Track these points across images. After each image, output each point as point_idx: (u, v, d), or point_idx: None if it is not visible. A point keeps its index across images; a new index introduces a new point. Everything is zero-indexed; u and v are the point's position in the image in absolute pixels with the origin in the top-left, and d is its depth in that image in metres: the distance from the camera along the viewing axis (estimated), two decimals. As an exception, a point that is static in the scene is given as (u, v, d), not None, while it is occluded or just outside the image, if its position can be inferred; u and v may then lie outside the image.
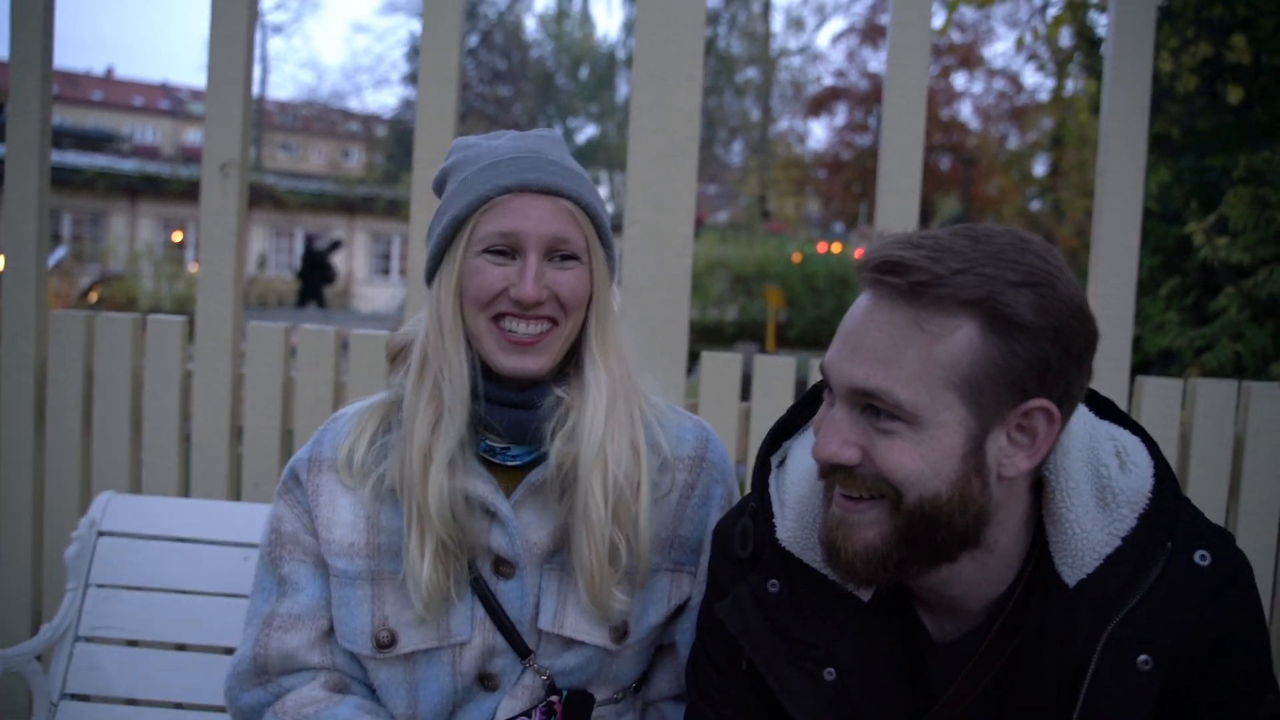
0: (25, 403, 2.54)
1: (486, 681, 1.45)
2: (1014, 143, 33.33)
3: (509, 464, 1.44)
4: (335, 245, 24.97)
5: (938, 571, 1.17)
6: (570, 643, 1.44)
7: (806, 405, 1.38)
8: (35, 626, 2.56)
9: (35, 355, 2.54)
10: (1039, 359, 1.08)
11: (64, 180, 22.60)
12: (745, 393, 2.47)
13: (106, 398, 2.53)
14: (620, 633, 1.45)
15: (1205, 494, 2.43)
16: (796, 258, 25.99)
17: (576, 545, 1.39)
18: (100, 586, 2.01)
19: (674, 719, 1.50)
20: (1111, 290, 2.43)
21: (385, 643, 1.42)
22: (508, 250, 1.38)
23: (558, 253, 1.39)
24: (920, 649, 1.26)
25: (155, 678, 1.99)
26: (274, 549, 1.49)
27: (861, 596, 1.24)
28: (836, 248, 28.93)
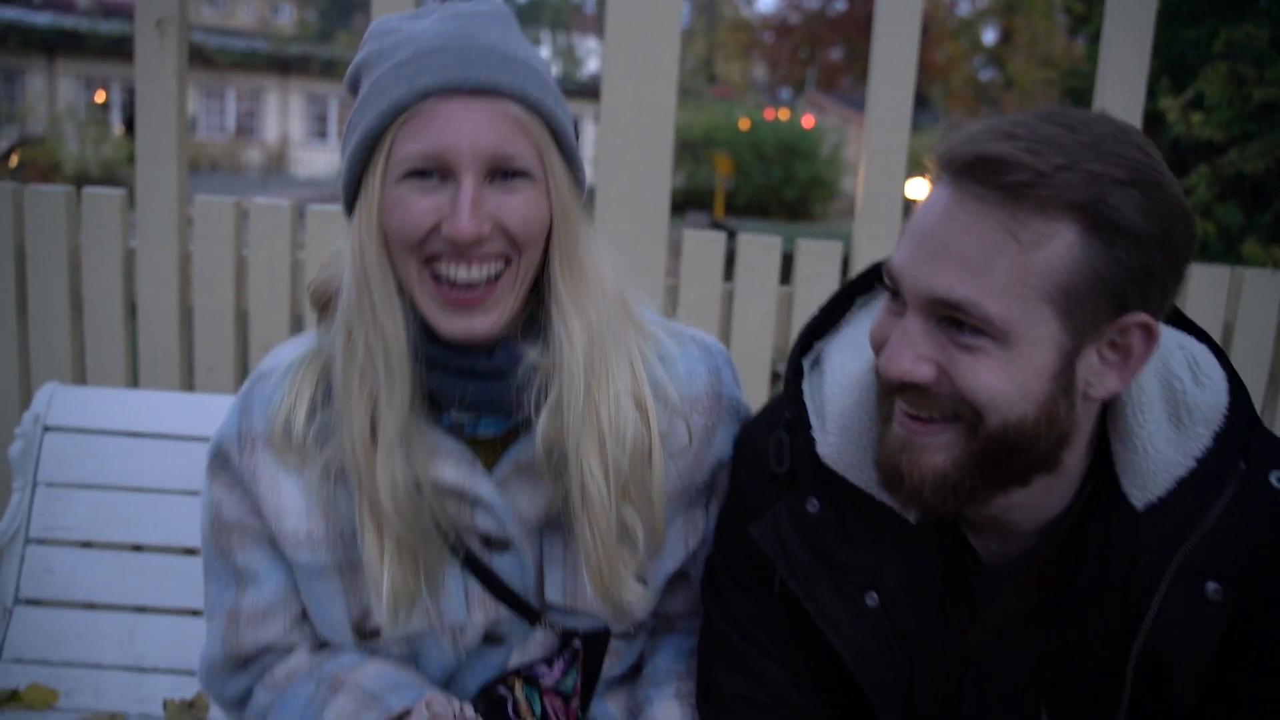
0: (-50, 285, 2.34)
1: (493, 640, 1.30)
2: (965, 9, 32.84)
3: (484, 436, 1.21)
4: None
5: (1006, 496, 1.08)
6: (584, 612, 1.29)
7: (840, 303, 1.25)
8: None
9: (-42, 232, 2.33)
10: (1144, 267, 0.96)
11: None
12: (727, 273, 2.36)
13: (41, 278, 2.34)
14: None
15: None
16: (744, 124, 25.58)
17: (580, 533, 1.18)
18: (49, 485, 1.87)
19: (686, 631, 1.40)
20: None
21: (370, 632, 1.25)
22: (435, 173, 1.09)
23: (501, 171, 1.10)
24: (968, 570, 1.17)
25: (113, 580, 1.88)
26: (219, 538, 1.28)
27: (909, 518, 1.14)
28: (784, 114, 28.56)
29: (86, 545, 1.90)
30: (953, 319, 0.98)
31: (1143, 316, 0.99)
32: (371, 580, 1.18)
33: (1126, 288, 0.97)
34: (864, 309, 1.25)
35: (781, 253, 2.37)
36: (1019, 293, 0.95)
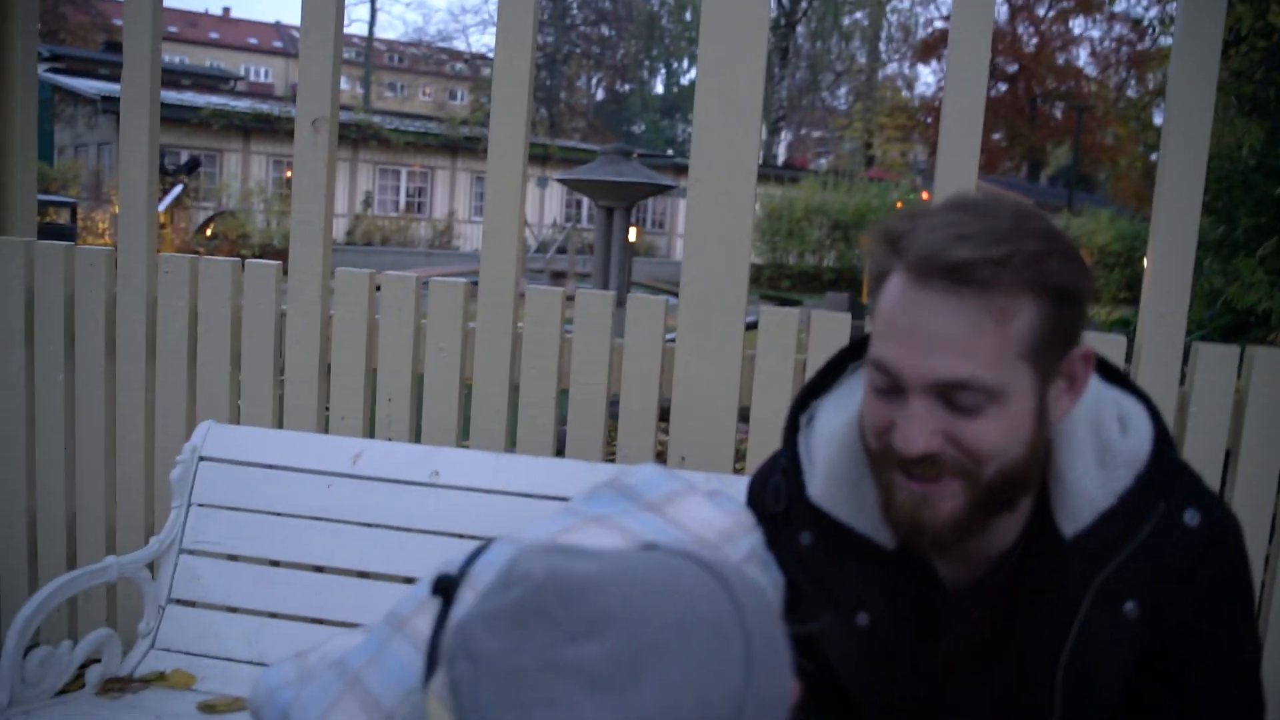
0: (138, 339, 2.79)
1: None
2: (1134, 90, 32.01)
3: None
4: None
5: (1000, 520, 1.27)
6: None
7: (834, 367, 1.47)
8: (148, 540, 2.83)
9: (147, 294, 2.78)
10: (1077, 313, 1.18)
11: (181, 119, 23.41)
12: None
13: (209, 335, 2.76)
14: None
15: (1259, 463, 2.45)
16: (899, 205, 25.60)
17: None
18: (201, 506, 2.24)
19: None
20: (1171, 260, 2.45)
21: None
22: None
23: None
24: (933, 595, 1.36)
25: (250, 589, 2.22)
26: None
27: (886, 546, 1.33)
28: (940, 196, 28.19)
29: (232, 558, 2.25)
30: (952, 395, 1.17)
31: (1082, 348, 1.21)
32: None
33: (1069, 331, 1.18)
34: (855, 373, 1.47)
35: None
36: (1003, 360, 1.15)
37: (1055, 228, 1.18)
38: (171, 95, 25.75)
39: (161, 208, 20.04)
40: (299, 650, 1.41)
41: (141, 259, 2.77)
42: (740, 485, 1.67)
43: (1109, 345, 2.40)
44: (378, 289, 2.69)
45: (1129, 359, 2.49)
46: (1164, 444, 1.28)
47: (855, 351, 1.47)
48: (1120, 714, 1.26)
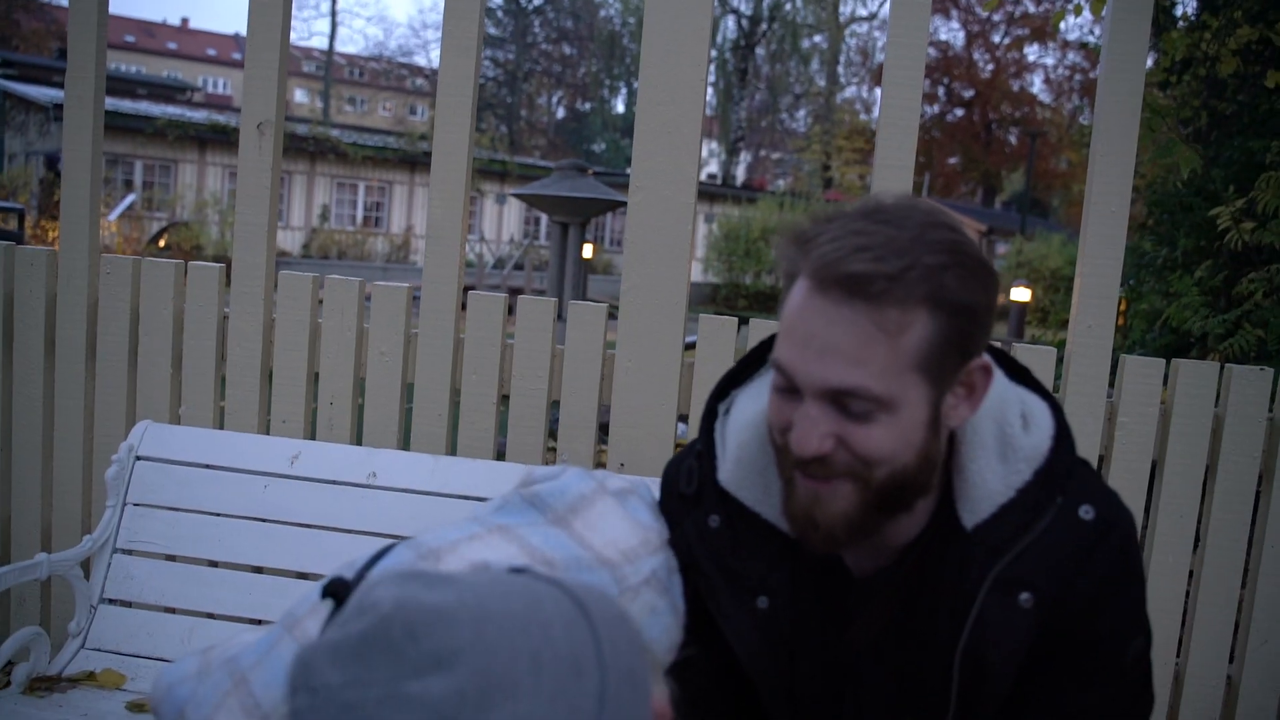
0: (78, 339, 2.77)
1: None
2: (1087, 117, 32.64)
3: None
4: None
5: (895, 521, 1.30)
6: None
7: (754, 359, 1.52)
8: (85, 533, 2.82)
9: (88, 296, 2.77)
10: (977, 325, 1.21)
11: (137, 129, 23.16)
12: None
13: (150, 337, 2.75)
14: None
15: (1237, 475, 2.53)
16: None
17: None
18: (136, 505, 2.23)
19: None
20: (1099, 274, 2.52)
21: None
22: None
23: None
24: (840, 584, 1.40)
25: (186, 589, 2.22)
26: None
27: (790, 533, 1.36)
28: (896, 218, 28.51)
29: (169, 558, 2.24)
30: (843, 401, 1.20)
31: (980, 360, 1.25)
32: None
33: (967, 344, 1.22)
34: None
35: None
36: (894, 371, 1.18)
37: (961, 240, 1.21)
38: (127, 104, 25.48)
39: (112, 217, 19.81)
40: (206, 646, 1.41)
41: (83, 259, 2.76)
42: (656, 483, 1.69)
43: (1039, 356, 2.47)
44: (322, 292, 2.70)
45: (1059, 371, 2.56)
46: (1064, 441, 1.33)
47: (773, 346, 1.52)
48: (1014, 702, 1.31)
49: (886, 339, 1.17)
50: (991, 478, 1.30)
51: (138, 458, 2.26)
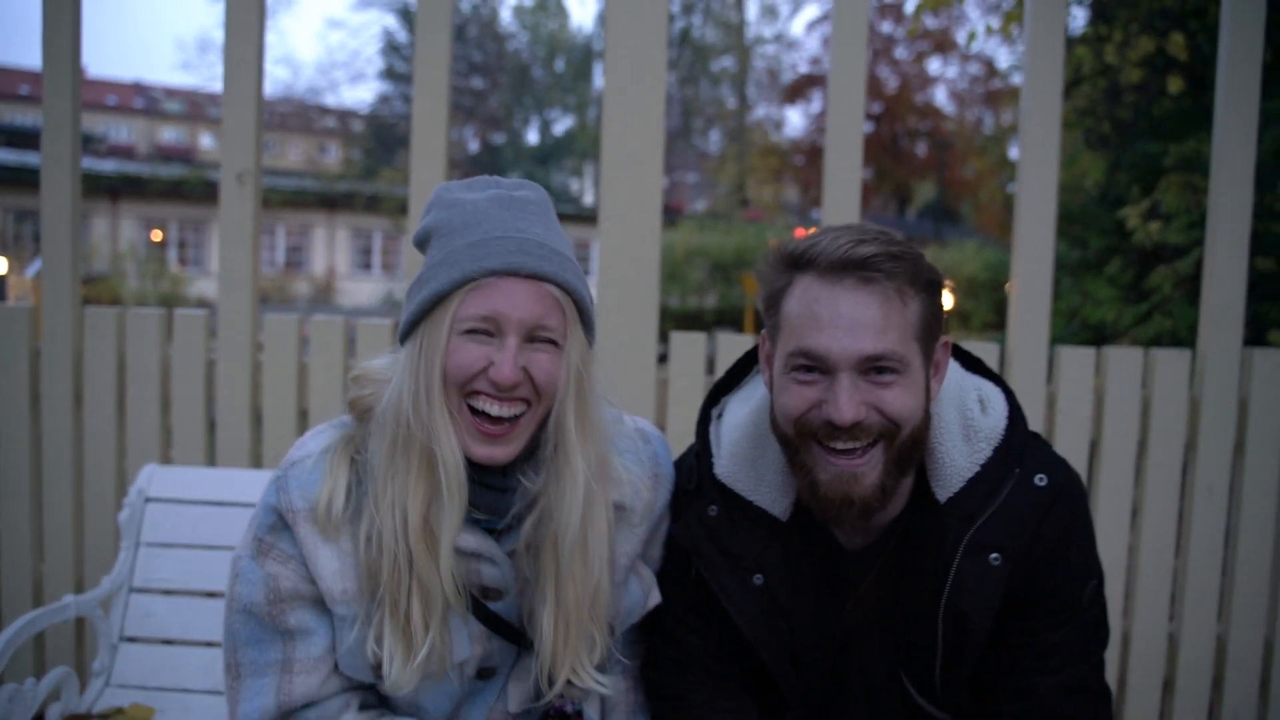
0: (64, 391, 2.84)
1: (486, 674, 1.58)
2: (990, 126, 33.60)
3: (484, 527, 1.52)
4: None
5: (900, 486, 1.51)
6: None
7: (740, 369, 1.72)
8: (77, 584, 2.87)
9: (72, 348, 2.83)
10: (942, 305, 1.46)
11: (38, 182, 22.57)
12: (711, 367, 2.78)
13: (138, 385, 2.83)
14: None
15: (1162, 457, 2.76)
16: (774, 244, 26.20)
17: (544, 632, 1.49)
18: (150, 545, 2.31)
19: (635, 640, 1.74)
20: (1031, 271, 2.75)
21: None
22: (488, 331, 1.40)
23: (536, 336, 1.42)
24: (835, 557, 1.59)
25: (194, 622, 2.30)
26: (273, 607, 1.47)
27: (780, 517, 1.57)
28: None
29: (187, 594, 2.31)
30: (873, 367, 1.41)
31: (945, 337, 1.49)
32: (413, 646, 1.43)
33: (940, 319, 1.47)
34: (757, 374, 1.70)
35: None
36: (907, 337, 1.42)
37: (910, 243, 1.46)
38: (32, 158, 24.84)
39: (29, 274, 19.32)
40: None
41: (67, 314, 2.83)
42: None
43: (983, 352, 2.68)
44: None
45: (1001, 364, 2.78)
46: (1017, 420, 1.55)
47: (758, 357, 1.70)
48: (993, 646, 1.51)
49: (900, 309, 1.41)
50: (958, 456, 1.51)
51: (147, 499, 2.34)
